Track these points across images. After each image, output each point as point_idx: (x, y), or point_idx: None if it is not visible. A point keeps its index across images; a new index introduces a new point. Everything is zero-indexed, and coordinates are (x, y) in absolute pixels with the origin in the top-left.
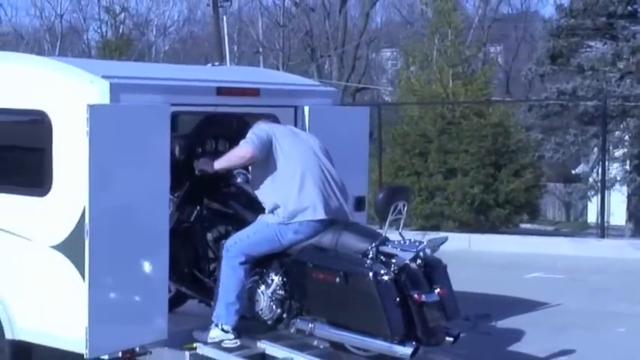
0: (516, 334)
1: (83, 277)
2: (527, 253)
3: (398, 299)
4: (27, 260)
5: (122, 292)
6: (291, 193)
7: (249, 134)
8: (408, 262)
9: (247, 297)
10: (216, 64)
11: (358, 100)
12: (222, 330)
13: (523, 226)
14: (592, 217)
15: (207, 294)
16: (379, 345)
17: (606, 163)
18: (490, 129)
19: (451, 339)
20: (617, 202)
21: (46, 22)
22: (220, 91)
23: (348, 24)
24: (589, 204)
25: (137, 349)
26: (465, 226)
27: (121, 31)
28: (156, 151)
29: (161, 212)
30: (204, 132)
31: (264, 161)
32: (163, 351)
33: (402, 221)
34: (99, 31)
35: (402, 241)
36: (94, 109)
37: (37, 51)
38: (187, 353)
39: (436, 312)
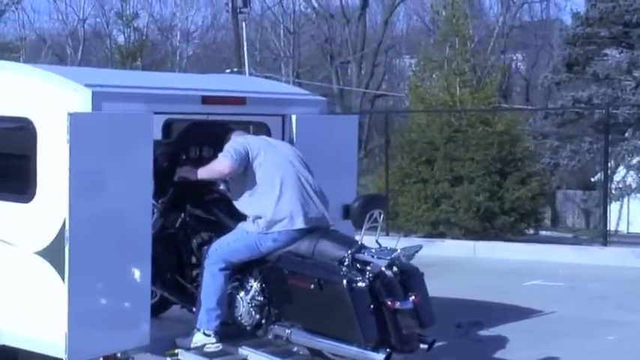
0: (506, 342)
1: (64, 282)
2: (530, 261)
3: (372, 306)
4: (11, 266)
5: (103, 298)
6: (269, 205)
7: (227, 148)
8: (383, 269)
9: (227, 303)
10: (235, 70)
11: (377, 106)
12: (204, 334)
13: (543, 233)
14: (611, 224)
15: (190, 300)
16: (353, 351)
17: (612, 172)
18: (496, 137)
19: (425, 346)
20: (637, 210)
21: (69, 26)
22: (205, 100)
23: (371, 31)
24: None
25: (119, 354)
26: (471, 234)
27: (144, 36)
28: (138, 159)
29: (144, 219)
30: (188, 139)
31: (242, 174)
32: (145, 357)
33: (379, 229)
34: (119, 36)
35: (379, 249)
36: (74, 118)
37: (60, 55)
38: (169, 359)
39: (410, 319)
